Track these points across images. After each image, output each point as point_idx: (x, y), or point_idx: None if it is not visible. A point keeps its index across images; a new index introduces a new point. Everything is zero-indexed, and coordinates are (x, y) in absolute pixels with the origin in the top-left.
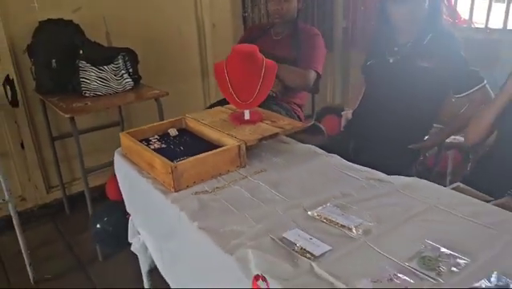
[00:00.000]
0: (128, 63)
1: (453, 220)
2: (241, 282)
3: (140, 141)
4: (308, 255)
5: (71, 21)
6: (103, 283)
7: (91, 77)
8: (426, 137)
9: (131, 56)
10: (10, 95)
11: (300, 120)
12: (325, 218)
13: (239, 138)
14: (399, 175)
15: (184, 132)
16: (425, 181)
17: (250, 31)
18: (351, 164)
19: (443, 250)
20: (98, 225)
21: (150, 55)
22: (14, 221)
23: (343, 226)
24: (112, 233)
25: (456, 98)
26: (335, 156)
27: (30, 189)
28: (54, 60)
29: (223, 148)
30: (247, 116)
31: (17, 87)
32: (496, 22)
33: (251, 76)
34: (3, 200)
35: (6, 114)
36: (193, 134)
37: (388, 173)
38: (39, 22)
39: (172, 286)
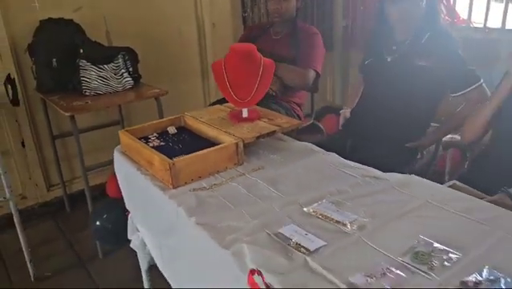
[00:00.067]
0: (128, 62)
1: (446, 216)
2: (238, 276)
3: (139, 139)
4: (303, 250)
5: (71, 20)
6: (103, 280)
7: (92, 76)
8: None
9: (131, 55)
10: (11, 94)
11: (300, 118)
12: (320, 214)
13: (237, 136)
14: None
15: (182, 129)
16: (420, 178)
17: (250, 30)
18: (347, 161)
19: (436, 245)
20: (97, 223)
21: (150, 55)
22: (15, 219)
23: (338, 222)
24: (112, 230)
25: (453, 97)
26: (332, 153)
27: (31, 187)
28: (54, 59)
29: (221, 145)
30: (245, 114)
31: (18, 86)
32: (494, 22)
33: (249, 75)
34: (4, 198)
35: (7, 113)
36: (192, 132)
37: (386, 171)
38: (40, 22)
39: (170, 282)
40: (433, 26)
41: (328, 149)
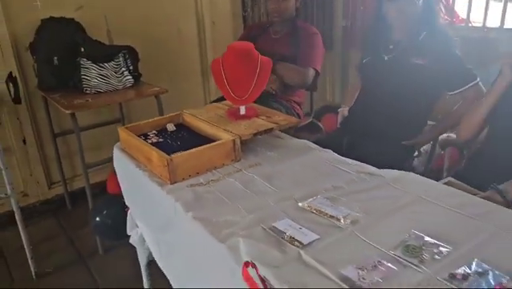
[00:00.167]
0: (129, 61)
1: (438, 211)
2: (233, 269)
3: (139, 136)
4: (297, 243)
5: (72, 19)
6: (104, 276)
7: (92, 74)
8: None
9: (131, 54)
10: (12, 92)
11: (299, 117)
12: (315, 209)
13: (234, 133)
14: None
15: (181, 127)
16: (414, 175)
17: (250, 30)
18: (343, 158)
19: (427, 239)
20: (97, 218)
21: (151, 53)
22: (16, 216)
23: (331, 217)
24: (111, 225)
25: (449, 95)
26: (329, 150)
27: (32, 184)
28: (55, 58)
29: (218, 142)
30: (243, 112)
31: (19, 84)
32: (493, 21)
33: (247, 73)
34: (5, 194)
35: (9, 111)
36: (190, 129)
37: (383, 169)
38: (41, 21)
39: (168, 277)
40: (430, 25)
41: (326, 147)
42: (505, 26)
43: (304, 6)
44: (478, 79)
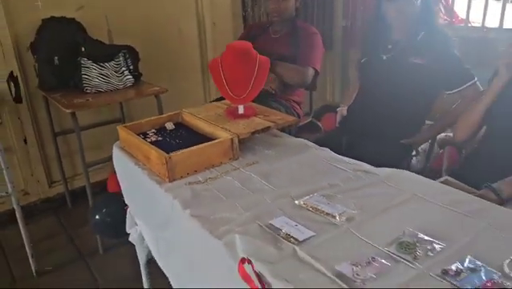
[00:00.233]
0: (129, 61)
1: (433, 208)
2: (230, 266)
3: (138, 135)
4: (292, 240)
5: (73, 19)
6: (103, 275)
7: (93, 74)
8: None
9: (131, 54)
10: (13, 92)
11: (299, 117)
12: (311, 207)
13: (232, 131)
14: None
15: (180, 125)
16: (409, 173)
17: (250, 29)
18: (340, 156)
19: (421, 235)
20: (97, 217)
21: (151, 53)
22: (17, 214)
23: (327, 214)
24: (111, 223)
25: (447, 94)
26: (326, 149)
27: (33, 183)
28: (56, 57)
29: (216, 140)
30: (241, 111)
31: (20, 84)
32: (493, 21)
33: (245, 72)
34: (6, 193)
35: (10, 110)
36: (189, 128)
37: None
38: (42, 20)
39: (167, 274)
40: (428, 25)
41: (325, 146)
42: (504, 27)
43: (304, 5)
44: (476, 79)
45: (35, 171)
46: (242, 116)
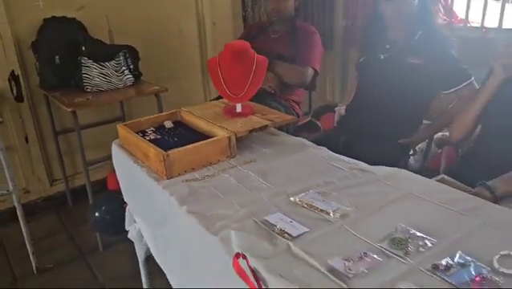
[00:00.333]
0: (129, 60)
1: (427, 206)
2: (226, 262)
3: (137, 133)
4: (286, 236)
5: (74, 19)
6: (103, 272)
7: (93, 73)
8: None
9: (132, 53)
10: (15, 91)
11: (298, 116)
12: (306, 204)
13: (230, 130)
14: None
15: (179, 124)
16: (405, 171)
17: (249, 29)
18: (337, 155)
19: (413, 231)
20: (96, 214)
21: (152, 53)
22: (18, 212)
23: (322, 211)
24: (110, 221)
25: (444, 94)
26: (323, 148)
27: (34, 181)
28: (57, 56)
29: (214, 138)
30: (239, 109)
31: (22, 83)
32: (492, 21)
33: (243, 71)
34: (7, 191)
35: (12, 109)
36: (188, 126)
37: None
38: (44, 20)
39: (165, 270)
40: (426, 25)
41: (323, 145)
42: (503, 27)
43: (304, 5)
44: (473, 78)
45: (36, 169)
46: (240, 115)
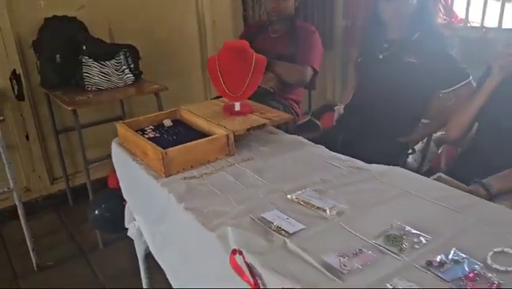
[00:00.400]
0: (129, 59)
1: (422, 204)
2: (223, 258)
3: (136, 131)
4: (283, 233)
5: (75, 18)
6: (103, 270)
7: (94, 72)
8: None
9: (132, 52)
10: (16, 89)
11: (297, 115)
12: (302, 201)
13: (228, 128)
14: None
15: (178, 122)
16: (401, 169)
17: (249, 28)
18: (334, 153)
19: (408, 229)
20: (96, 212)
21: (152, 52)
22: (19, 210)
23: (318, 208)
24: (110, 219)
25: (443, 93)
26: (321, 146)
27: (35, 180)
28: (58, 55)
29: (212, 136)
30: (237, 108)
31: (23, 82)
32: (492, 21)
33: (241, 70)
34: (8, 188)
35: (13, 107)
36: (187, 125)
37: None
38: (45, 19)
39: (163, 267)
40: (424, 25)
41: (322, 144)
42: (503, 27)
43: (305, 5)
44: (471, 78)
45: (37, 168)
46: (239, 113)
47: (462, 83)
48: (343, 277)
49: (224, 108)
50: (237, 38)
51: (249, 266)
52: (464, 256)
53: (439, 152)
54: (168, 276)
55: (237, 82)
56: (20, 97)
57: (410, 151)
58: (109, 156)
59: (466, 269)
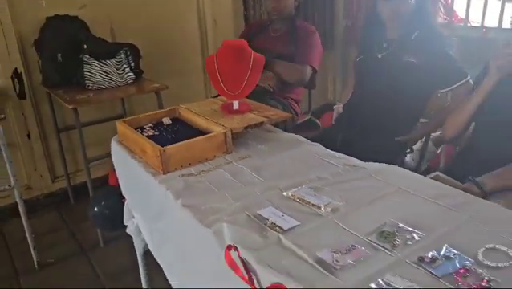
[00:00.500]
0: (130, 58)
1: (416, 201)
2: (218, 254)
3: (136, 129)
4: (278, 229)
5: (76, 17)
6: (104, 268)
7: (95, 71)
8: None
9: (133, 51)
10: (17, 88)
11: (297, 114)
12: (298, 198)
13: (226, 126)
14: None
15: (177, 120)
16: (397, 167)
17: (250, 28)
18: (331, 152)
19: (401, 225)
20: (96, 209)
21: (153, 51)
22: (20, 207)
23: (313, 205)
24: (109, 216)
25: (441, 93)
26: (318, 144)
27: (36, 178)
28: (59, 54)
29: (210, 134)
30: (236, 107)
31: (24, 80)
32: (492, 21)
33: (240, 69)
34: (9, 186)
35: (14, 106)
36: (185, 123)
37: None
38: (46, 18)
39: (161, 264)
40: (422, 24)
41: (321, 143)
42: (503, 26)
43: (305, 5)
44: (469, 77)
45: (38, 166)
46: (237, 112)
47: (460, 83)
48: (335, 272)
49: (222, 107)
50: (238, 38)
51: (244, 262)
52: (455, 252)
53: (438, 151)
54: (166, 273)
55: (236, 80)
56: (22, 96)
57: (408, 150)
58: (110, 155)
59: (457, 265)
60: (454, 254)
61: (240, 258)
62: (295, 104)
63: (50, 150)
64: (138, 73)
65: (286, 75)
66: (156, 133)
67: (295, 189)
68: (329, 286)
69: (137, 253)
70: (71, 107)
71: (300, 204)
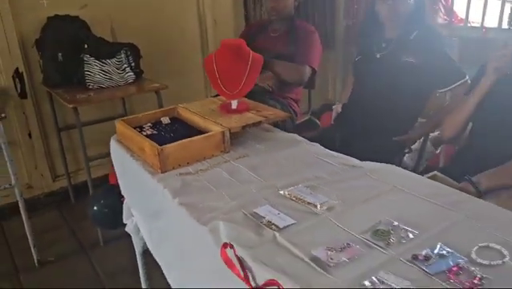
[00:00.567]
0: (130, 58)
1: (412, 200)
2: (214, 252)
3: (135, 128)
4: (273, 227)
5: (77, 17)
6: (103, 266)
7: (95, 70)
8: None
9: (133, 51)
10: (19, 87)
11: (296, 114)
12: (294, 197)
13: (224, 125)
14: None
15: (175, 120)
16: (394, 167)
17: (250, 28)
18: (328, 151)
19: (396, 224)
20: (95, 207)
21: (154, 51)
22: (20, 206)
23: (309, 204)
24: (108, 214)
25: (440, 92)
26: (316, 144)
27: (37, 177)
28: (60, 54)
29: (208, 133)
30: (234, 106)
31: (25, 80)
32: (492, 21)
33: (238, 68)
34: (10, 184)
35: (15, 105)
36: (184, 122)
37: None
38: (47, 18)
39: (160, 263)
40: (421, 24)
41: (320, 142)
42: (503, 27)
43: (306, 5)
44: (467, 77)
45: (39, 165)
46: (235, 111)
47: (459, 83)
48: (329, 270)
49: (221, 106)
50: (238, 38)
51: (240, 260)
52: (449, 250)
53: (437, 152)
54: (164, 271)
55: (234, 80)
56: (23, 95)
57: (407, 150)
58: (107, 155)
59: (450, 263)
60: (448, 253)
61: (236, 255)
62: (295, 104)
63: (51, 149)
64: (138, 73)
65: (286, 75)
66: (155, 132)
67: (292, 188)
68: (323, 283)
69: (136, 251)
70: (71, 106)
71: (296, 202)
